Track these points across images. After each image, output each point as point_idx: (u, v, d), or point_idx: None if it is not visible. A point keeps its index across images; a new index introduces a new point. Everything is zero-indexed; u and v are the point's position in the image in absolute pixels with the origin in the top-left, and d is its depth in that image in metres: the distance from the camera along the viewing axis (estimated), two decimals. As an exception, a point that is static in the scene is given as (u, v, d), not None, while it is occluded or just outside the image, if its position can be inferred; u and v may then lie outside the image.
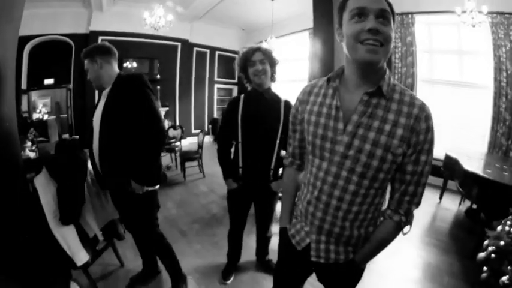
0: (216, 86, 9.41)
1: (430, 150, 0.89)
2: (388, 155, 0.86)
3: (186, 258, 2.14)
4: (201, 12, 7.39)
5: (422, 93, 5.25)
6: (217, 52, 9.12)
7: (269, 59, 1.85)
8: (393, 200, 0.97)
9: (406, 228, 0.99)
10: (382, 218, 1.02)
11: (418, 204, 0.95)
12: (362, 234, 0.99)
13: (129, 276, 2.21)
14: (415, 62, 5.10)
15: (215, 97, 9.45)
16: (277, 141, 1.86)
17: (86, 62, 1.76)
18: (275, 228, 1.88)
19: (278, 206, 2.10)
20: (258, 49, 1.85)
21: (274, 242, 2.35)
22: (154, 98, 1.73)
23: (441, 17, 4.83)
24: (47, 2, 5.95)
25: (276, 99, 1.89)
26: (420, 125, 0.86)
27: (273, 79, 1.91)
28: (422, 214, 3.72)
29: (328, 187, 0.94)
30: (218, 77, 9.34)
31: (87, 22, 6.66)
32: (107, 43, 1.82)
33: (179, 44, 8.04)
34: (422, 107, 0.87)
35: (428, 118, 0.87)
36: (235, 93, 9.87)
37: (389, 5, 0.84)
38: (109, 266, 2.39)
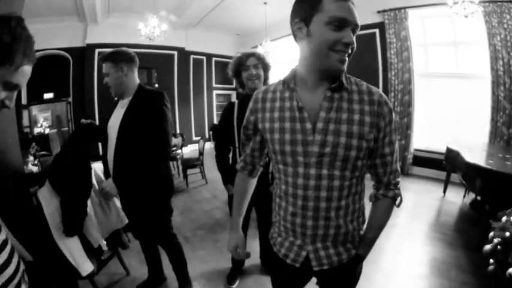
0: (215, 92, 9.42)
1: (395, 128, 0.96)
2: (363, 143, 0.89)
3: (191, 264, 2.15)
4: (195, 20, 7.45)
5: (420, 87, 5.24)
6: (213, 58, 9.16)
7: (263, 64, 1.89)
8: (382, 183, 1.02)
9: (397, 200, 1.03)
10: (371, 202, 1.07)
11: (399, 174, 1.03)
12: (355, 227, 1.00)
13: (135, 285, 2.22)
14: (411, 56, 5.09)
15: (214, 103, 9.47)
16: None
17: (108, 66, 1.72)
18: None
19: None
20: (252, 54, 1.89)
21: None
22: (170, 119, 1.74)
23: (434, 10, 4.82)
24: (43, 18, 6.02)
25: None
26: (383, 109, 0.91)
27: (265, 84, 1.94)
28: (427, 208, 3.71)
29: (313, 191, 0.92)
30: (216, 83, 9.37)
31: (83, 35, 6.72)
32: (131, 51, 1.80)
33: (175, 53, 8.09)
34: (380, 93, 0.93)
35: (387, 101, 0.93)
36: (234, 99, 9.83)
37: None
38: (115, 275, 2.40)
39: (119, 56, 1.73)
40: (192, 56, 8.61)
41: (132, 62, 1.78)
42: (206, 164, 5.29)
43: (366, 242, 1.03)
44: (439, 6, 4.50)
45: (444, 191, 4.19)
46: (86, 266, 1.84)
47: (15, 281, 0.83)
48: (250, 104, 1.08)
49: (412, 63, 5.10)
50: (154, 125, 1.67)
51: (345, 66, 0.86)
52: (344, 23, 0.82)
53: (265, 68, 1.91)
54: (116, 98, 1.88)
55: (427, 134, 5.34)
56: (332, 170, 0.90)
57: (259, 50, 6.90)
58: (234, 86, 9.80)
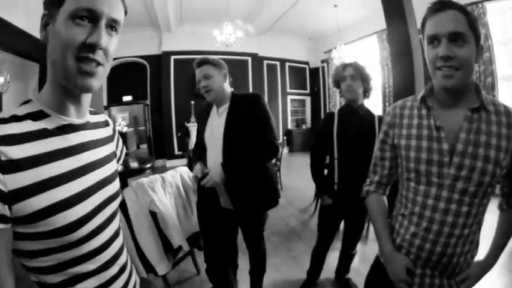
0: (289, 97, 9.40)
1: None
2: (497, 169, 0.84)
3: (264, 271, 2.15)
4: (266, 26, 7.57)
5: (504, 93, 4.60)
6: (287, 63, 9.18)
7: (360, 75, 1.82)
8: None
9: None
10: (501, 210, 0.99)
11: None
12: (468, 259, 0.93)
13: (203, 284, 2.27)
14: (493, 57, 4.49)
15: (289, 109, 9.45)
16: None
17: (209, 68, 1.70)
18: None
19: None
20: (349, 64, 1.86)
21: (356, 260, 2.27)
22: (272, 117, 1.77)
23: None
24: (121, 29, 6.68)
25: (369, 115, 1.87)
26: None
27: (366, 95, 1.89)
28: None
29: (440, 214, 0.88)
30: (290, 88, 9.35)
31: (158, 44, 7.30)
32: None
33: (249, 58, 8.24)
34: None
35: None
36: (308, 104, 9.83)
37: (468, 20, 0.81)
38: (185, 272, 2.49)
39: (220, 63, 1.74)
40: (265, 62, 8.74)
41: (227, 72, 1.79)
42: (282, 169, 5.21)
43: (495, 250, 0.96)
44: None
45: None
46: (163, 266, 1.93)
47: None
48: (388, 118, 1.04)
49: (494, 66, 4.50)
50: (262, 124, 1.69)
51: (455, 81, 0.82)
52: (437, 38, 0.82)
53: (364, 78, 1.83)
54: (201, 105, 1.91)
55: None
56: (463, 195, 0.86)
57: (334, 55, 6.77)
58: (308, 91, 9.80)
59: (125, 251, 0.79)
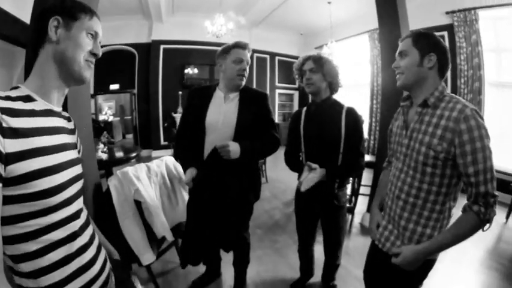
0: (277, 91, 9.44)
1: (483, 147, 0.98)
2: (430, 152, 1.06)
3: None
4: (258, 19, 7.53)
5: (490, 98, 4.76)
6: (277, 57, 9.20)
7: (321, 68, 1.72)
8: (471, 198, 1.03)
9: (486, 226, 1.02)
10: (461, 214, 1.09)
11: (494, 196, 0.99)
12: (418, 231, 1.13)
13: (188, 275, 2.31)
14: (482, 63, 4.64)
15: (276, 102, 9.49)
16: (341, 152, 1.74)
17: (246, 53, 1.76)
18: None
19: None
20: (308, 58, 1.78)
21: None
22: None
23: (508, 10, 4.35)
24: (110, 16, 6.56)
25: (336, 108, 1.78)
26: (460, 126, 0.99)
27: (332, 89, 1.80)
28: (485, 234, 3.37)
29: (396, 180, 1.22)
30: (279, 82, 9.39)
31: (148, 32, 7.19)
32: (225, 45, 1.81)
33: None
34: (462, 110, 1.00)
35: (467, 119, 0.98)
36: (296, 99, 9.90)
37: (413, 40, 1.12)
38: (169, 263, 2.52)
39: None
40: (255, 54, 8.67)
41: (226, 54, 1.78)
42: (268, 163, 5.26)
43: (434, 240, 1.08)
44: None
45: (507, 217, 3.81)
46: (148, 256, 1.93)
47: (103, 277, 0.87)
48: (395, 115, 1.38)
49: (483, 71, 4.65)
50: (268, 122, 1.82)
51: (400, 83, 1.17)
52: (399, 53, 1.21)
53: (326, 72, 1.73)
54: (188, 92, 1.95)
55: (495, 151, 4.85)
56: (407, 168, 1.16)
57: (325, 51, 6.72)
58: (296, 85, 9.64)
59: (91, 226, 0.91)
